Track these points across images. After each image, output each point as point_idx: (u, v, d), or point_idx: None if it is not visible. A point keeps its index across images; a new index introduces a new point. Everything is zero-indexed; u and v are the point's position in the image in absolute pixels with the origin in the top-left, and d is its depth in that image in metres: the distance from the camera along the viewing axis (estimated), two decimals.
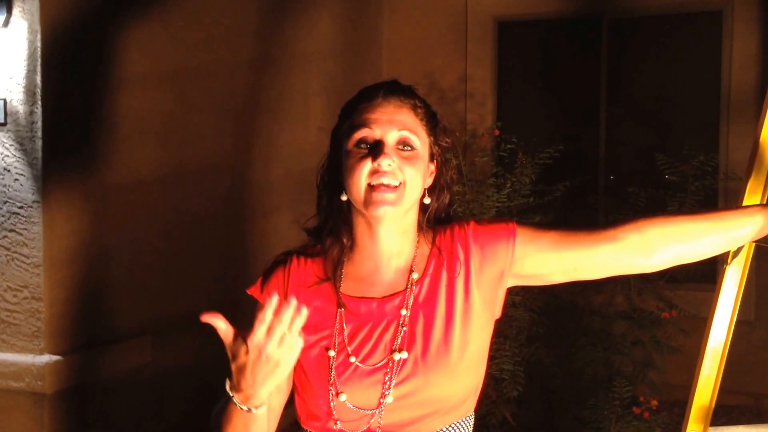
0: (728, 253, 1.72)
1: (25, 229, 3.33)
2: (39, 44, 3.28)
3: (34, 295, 3.34)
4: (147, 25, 3.86)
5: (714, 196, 4.94)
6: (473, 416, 1.58)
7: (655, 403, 3.87)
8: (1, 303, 3.39)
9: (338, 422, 1.47)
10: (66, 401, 3.44)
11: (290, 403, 1.59)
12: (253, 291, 1.59)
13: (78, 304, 3.50)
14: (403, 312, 1.50)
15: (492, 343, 1.61)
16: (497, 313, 1.58)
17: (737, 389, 4.57)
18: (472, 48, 5.95)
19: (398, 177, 1.46)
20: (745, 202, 1.74)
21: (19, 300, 3.36)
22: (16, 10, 3.30)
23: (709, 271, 4.26)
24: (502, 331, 3.88)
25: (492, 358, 3.59)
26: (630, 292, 4.27)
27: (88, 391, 3.55)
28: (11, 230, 3.35)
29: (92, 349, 3.56)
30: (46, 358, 3.33)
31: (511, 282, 1.58)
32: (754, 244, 1.68)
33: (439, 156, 1.58)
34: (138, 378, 3.80)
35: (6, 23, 3.30)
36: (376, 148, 1.47)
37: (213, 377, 4.06)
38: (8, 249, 3.37)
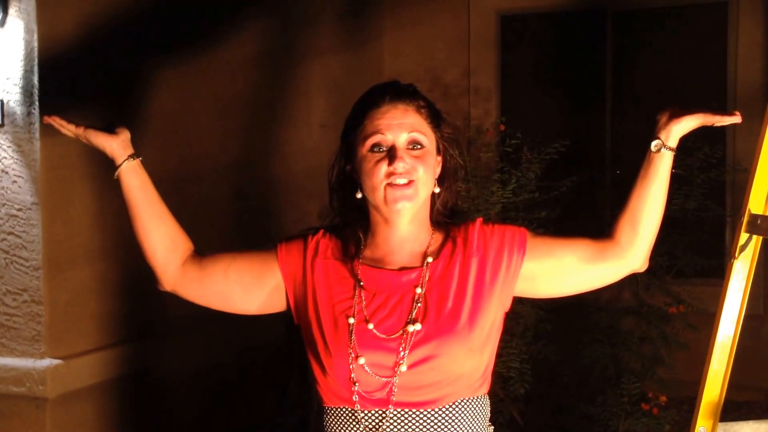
0: (735, 247, 1.72)
1: (24, 231, 3.31)
2: (35, 44, 3.26)
3: (34, 298, 3.32)
4: (145, 23, 3.84)
5: (720, 188, 4.90)
6: (488, 401, 1.70)
7: (663, 399, 3.86)
8: (1, 307, 3.37)
9: (357, 384, 1.60)
10: (67, 406, 3.41)
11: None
12: (279, 244, 1.77)
13: (79, 307, 3.48)
14: (419, 290, 1.64)
15: (499, 341, 1.72)
16: (506, 304, 1.71)
17: (747, 384, 4.51)
18: (476, 43, 5.91)
19: (412, 175, 1.64)
20: (752, 194, 1.72)
21: (18, 303, 3.34)
22: (12, 10, 3.27)
23: (716, 266, 4.23)
24: (508, 328, 3.84)
25: (499, 356, 3.56)
26: (637, 287, 4.24)
27: (90, 395, 3.53)
28: (10, 233, 3.33)
29: (93, 352, 3.53)
30: (47, 362, 3.31)
31: (517, 287, 1.71)
32: (761, 238, 1.67)
33: (444, 148, 1.73)
34: (140, 382, 3.78)
35: (2, 23, 3.28)
36: (390, 153, 1.64)
37: (216, 380, 4.04)
38: (7, 252, 3.35)
